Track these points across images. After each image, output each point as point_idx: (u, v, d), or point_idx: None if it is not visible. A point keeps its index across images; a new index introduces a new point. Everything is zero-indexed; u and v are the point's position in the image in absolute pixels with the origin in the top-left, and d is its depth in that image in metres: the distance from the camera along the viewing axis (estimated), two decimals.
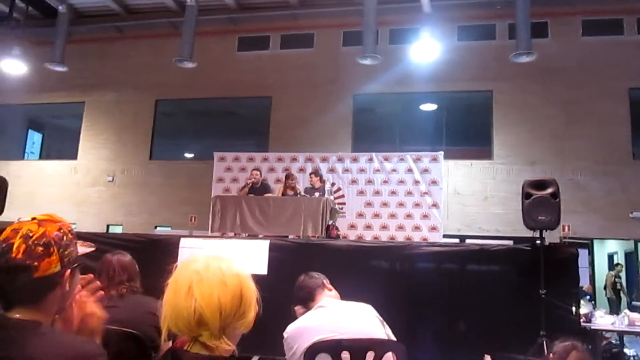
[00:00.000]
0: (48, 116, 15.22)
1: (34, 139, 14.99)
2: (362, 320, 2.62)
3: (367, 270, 5.14)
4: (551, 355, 2.61)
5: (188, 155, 13.94)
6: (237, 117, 13.88)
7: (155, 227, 12.05)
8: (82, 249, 1.55)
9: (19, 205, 10.77)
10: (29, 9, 12.96)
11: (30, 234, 1.40)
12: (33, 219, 1.45)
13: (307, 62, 12.58)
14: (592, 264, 11.02)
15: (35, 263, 1.37)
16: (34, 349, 1.31)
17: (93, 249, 1.63)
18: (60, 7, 11.90)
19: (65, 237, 1.45)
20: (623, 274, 11.95)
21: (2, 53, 12.55)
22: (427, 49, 10.57)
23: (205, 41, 12.19)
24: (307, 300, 2.83)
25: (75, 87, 13.63)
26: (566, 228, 9.93)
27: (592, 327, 5.94)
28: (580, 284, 7.38)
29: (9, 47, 12.03)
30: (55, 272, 1.40)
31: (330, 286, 2.88)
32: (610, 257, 13.49)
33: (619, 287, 11.69)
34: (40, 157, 14.67)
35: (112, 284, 2.69)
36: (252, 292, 1.41)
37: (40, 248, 1.38)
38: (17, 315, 1.36)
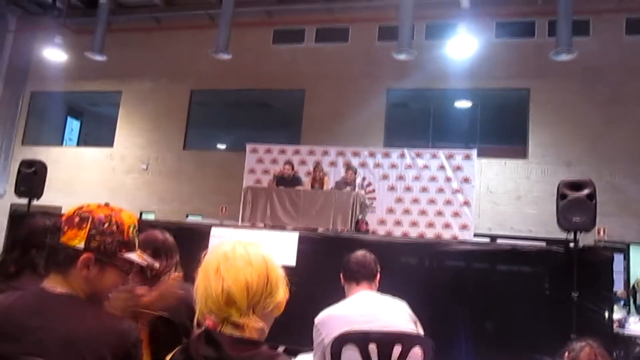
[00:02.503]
0: (86, 104, 15.58)
1: (73, 125, 15.37)
2: (393, 315, 2.62)
3: (395, 266, 5.10)
4: (567, 353, 2.58)
5: (221, 145, 14.09)
6: (271, 109, 13.95)
7: (187, 216, 12.24)
8: (135, 257, 1.54)
9: (57, 190, 11.09)
10: None
11: (84, 207, 1.49)
12: (107, 203, 1.55)
13: (342, 56, 12.55)
14: (627, 269, 10.73)
15: (65, 227, 1.45)
16: (73, 321, 1.38)
17: (145, 263, 1.61)
18: None
19: (107, 225, 1.48)
20: None
21: (45, 41, 12.89)
22: (463, 45, 10.42)
23: (241, 33, 12.26)
24: (354, 279, 2.83)
25: (113, 76, 13.90)
26: (602, 231, 9.69)
27: (626, 333, 5.81)
28: (615, 289, 7.21)
29: (52, 35, 12.35)
30: (75, 246, 1.44)
31: (377, 283, 2.88)
32: None
33: None
34: (78, 144, 15.05)
35: (147, 268, 2.71)
36: (278, 272, 1.45)
37: (77, 219, 1.46)
38: (58, 289, 1.42)
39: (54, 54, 12.49)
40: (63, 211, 1.53)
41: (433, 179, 10.07)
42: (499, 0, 11.44)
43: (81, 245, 1.43)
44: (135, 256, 1.55)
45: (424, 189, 10.07)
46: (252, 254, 1.41)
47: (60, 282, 1.44)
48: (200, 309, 1.38)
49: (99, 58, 11.99)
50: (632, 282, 10.70)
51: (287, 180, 8.39)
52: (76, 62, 13.32)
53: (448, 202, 9.92)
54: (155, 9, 13.69)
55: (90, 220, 1.45)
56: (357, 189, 8.00)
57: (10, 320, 1.37)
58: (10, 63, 14.43)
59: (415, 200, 10.06)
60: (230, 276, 1.36)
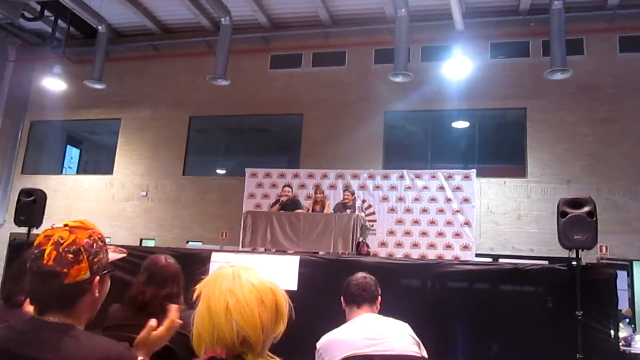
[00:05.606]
0: (86, 132, 15.63)
1: (72, 154, 15.40)
2: (396, 338, 2.59)
3: (397, 288, 5.07)
4: None
5: (220, 171, 14.11)
6: (269, 134, 14.01)
7: (187, 242, 12.19)
8: (114, 255, 1.60)
9: (57, 218, 10.98)
10: (70, 29, 13.42)
11: (62, 241, 1.43)
12: (65, 225, 1.48)
13: (339, 80, 12.65)
14: (631, 286, 10.65)
15: (65, 270, 1.41)
16: (68, 350, 1.36)
17: (124, 255, 1.68)
18: (100, 27, 12.29)
19: (95, 245, 1.48)
20: None
21: (44, 71, 13.02)
22: (459, 67, 10.52)
23: (239, 59, 12.38)
24: (355, 302, 2.80)
25: (112, 104, 13.99)
26: (604, 249, 9.66)
27: (632, 352, 5.74)
28: (620, 307, 7.15)
29: (51, 65, 12.47)
30: (84, 279, 1.44)
31: (379, 305, 2.85)
32: None
33: None
34: (78, 172, 15.05)
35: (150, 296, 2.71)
36: (285, 302, 1.42)
37: (70, 255, 1.42)
38: (52, 319, 1.41)
39: (53, 83, 12.59)
40: None
41: (433, 199, 10.05)
42: (493, 22, 11.59)
43: (87, 275, 1.44)
44: (114, 255, 1.60)
45: (424, 210, 10.04)
46: (259, 288, 1.37)
47: (60, 316, 1.42)
48: (206, 345, 1.33)
49: (98, 86, 12.09)
50: (637, 299, 10.63)
51: (286, 204, 8.38)
52: (75, 91, 13.44)
53: (449, 223, 9.88)
54: (153, 37, 13.85)
55: (82, 250, 1.44)
56: (357, 212, 7.97)
57: (6, 350, 1.36)
58: (10, 93, 14.52)
59: (416, 222, 10.02)
60: (244, 320, 1.31)
